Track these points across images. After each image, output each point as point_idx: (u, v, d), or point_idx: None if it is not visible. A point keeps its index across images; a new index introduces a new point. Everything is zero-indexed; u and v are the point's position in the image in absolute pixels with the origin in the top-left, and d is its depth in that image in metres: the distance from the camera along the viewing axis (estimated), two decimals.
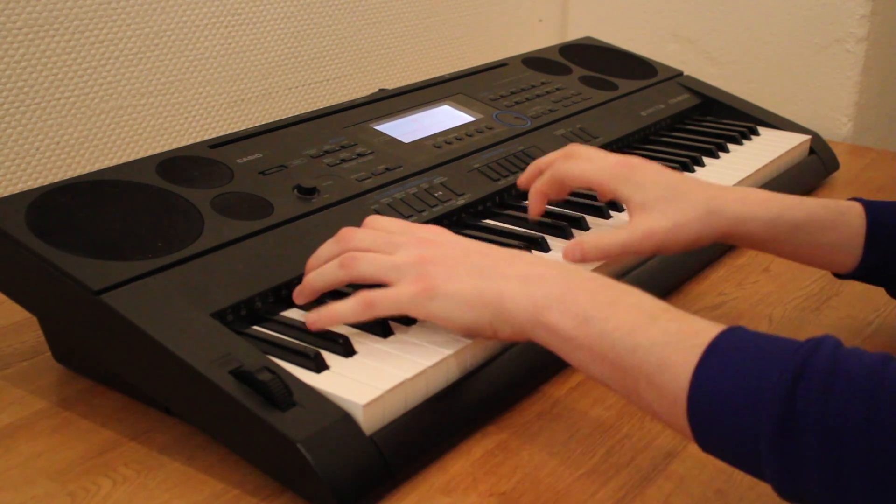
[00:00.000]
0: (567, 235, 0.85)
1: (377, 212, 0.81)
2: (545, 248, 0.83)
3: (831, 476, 0.48)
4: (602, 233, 0.79)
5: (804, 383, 0.49)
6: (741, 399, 0.51)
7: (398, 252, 0.66)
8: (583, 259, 0.77)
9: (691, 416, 0.53)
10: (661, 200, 0.76)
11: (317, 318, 0.66)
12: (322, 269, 0.68)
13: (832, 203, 0.76)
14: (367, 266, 0.66)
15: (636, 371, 0.56)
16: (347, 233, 0.69)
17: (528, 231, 0.85)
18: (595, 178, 0.79)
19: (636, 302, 0.59)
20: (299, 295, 0.70)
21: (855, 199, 0.77)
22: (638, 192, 0.77)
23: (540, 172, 0.84)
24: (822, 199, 0.78)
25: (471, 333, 0.66)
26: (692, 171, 1.04)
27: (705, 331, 0.54)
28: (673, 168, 1.02)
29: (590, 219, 0.88)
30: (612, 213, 0.91)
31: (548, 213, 0.88)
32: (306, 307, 0.71)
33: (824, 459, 0.48)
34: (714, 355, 0.53)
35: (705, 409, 0.52)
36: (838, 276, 0.79)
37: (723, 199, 0.76)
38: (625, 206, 0.79)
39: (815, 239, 0.75)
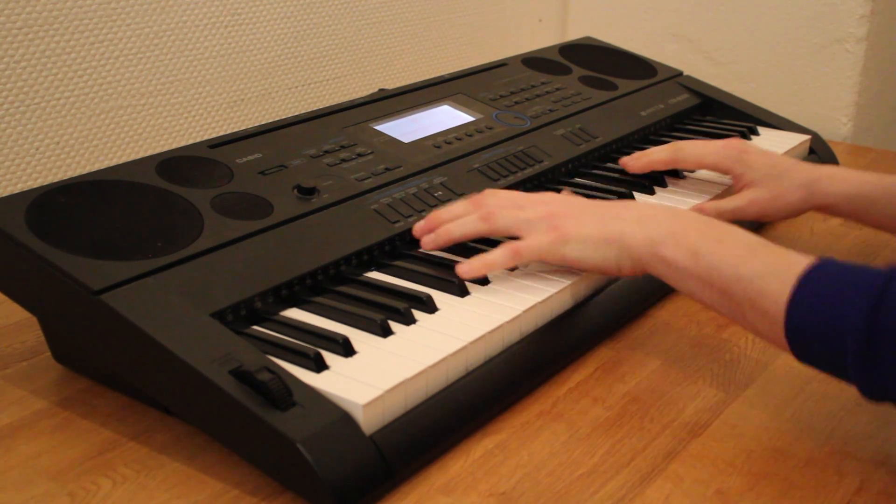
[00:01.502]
0: None
1: (377, 212, 0.81)
2: None
3: None
4: (718, 201, 0.92)
5: (884, 307, 0.57)
6: (830, 320, 0.60)
7: (526, 210, 0.76)
8: None
9: (788, 335, 0.62)
10: (766, 177, 0.90)
11: (469, 269, 0.75)
12: (462, 221, 0.78)
13: None
14: (504, 220, 0.76)
15: (740, 297, 0.66)
16: (479, 197, 0.79)
17: None
18: (711, 160, 0.93)
19: (739, 238, 0.69)
20: (432, 242, 0.78)
21: None
22: (748, 170, 0.91)
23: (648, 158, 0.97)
24: None
25: (599, 271, 0.75)
26: (692, 170, 1.04)
27: (799, 262, 0.64)
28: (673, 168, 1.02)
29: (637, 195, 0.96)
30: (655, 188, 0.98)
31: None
32: (307, 307, 0.72)
33: None
34: (807, 283, 0.62)
35: (800, 329, 0.62)
36: None
37: (815, 176, 0.89)
38: (734, 181, 0.93)
39: (890, 212, 0.87)
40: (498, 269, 0.76)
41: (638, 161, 0.97)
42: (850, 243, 0.99)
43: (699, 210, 0.89)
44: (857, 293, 0.59)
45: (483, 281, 0.76)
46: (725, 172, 0.94)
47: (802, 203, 0.89)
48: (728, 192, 0.97)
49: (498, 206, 0.77)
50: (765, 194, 0.89)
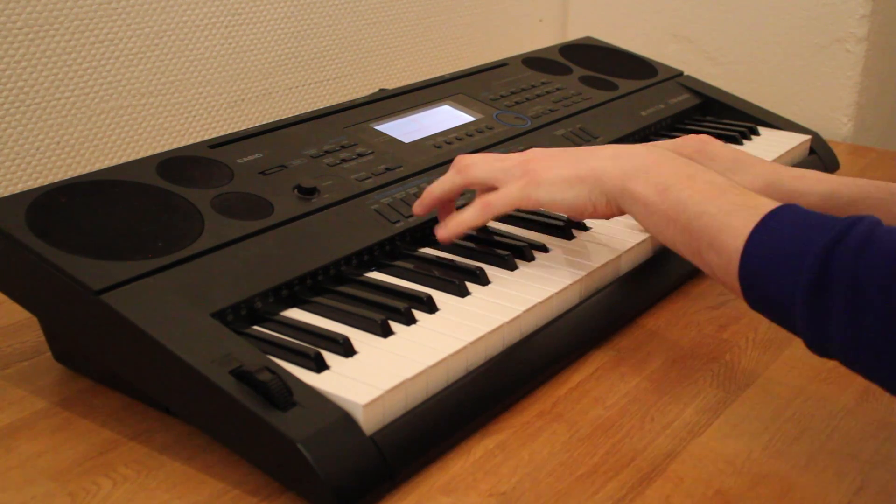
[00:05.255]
0: (568, 236, 0.85)
1: (377, 212, 0.81)
2: (545, 249, 0.83)
3: (853, 330, 0.54)
4: None
5: (841, 247, 0.55)
6: (784, 259, 0.58)
7: (504, 160, 0.76)
8: None
9: (741, 274, 0.61)
10: (728, 171, 0.83)
11: (445, 231, 0.77)
12: (440, 179, 0.79)
13: (883, 183, 0.83)
14: (478, 171, 0.76)
15: (701, 233, 0.64)
16: (462, 156, 0.80)
17: (529, 232, 0.85)
18: (672, 149, 0.86)
19: (711, 178, 0.67)
20: (419, 206, 0.80)
21: None
22: (710, 161, 0.85)
23: None
24: (874, 180, 0.84)
25: (574, 211, 0.74)
26: None
27: (765, 205, 0.62)
28: None
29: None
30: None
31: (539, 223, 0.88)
32: (307, 307, 0.72)
33: (849, 314, 0.54)
34: (768, 222, 0.60)
35: (753, 268, 0.60)
36: None
37: (782, 174, 0.84)
38: None
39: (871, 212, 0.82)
40: (473, 225, 0.77)
41: None
42: None
43: None
44: (817, 233, 0.57)
45: (483, 281, 0.76)
46: None
47: None
48: None
49: (476, 159, 0.78)
50: None
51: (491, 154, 0.79)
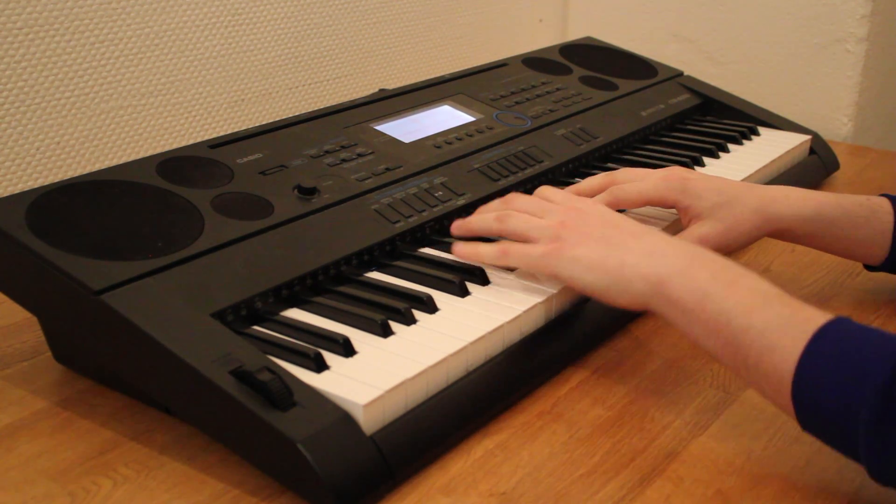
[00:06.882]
0: None
1: (377, 212, 0.81)
2: None
3: None
4: None
5: None
6: (843, 386, 0.55)
7: (547, 217, 0.75)
8: None
9: (795, 398, 0.58)
10: (715, 207, 0.82)
11: (462, 250, 0.78)
12: (482, 218, 0.80)
13: (865, 200, 0.82)
14: (515, 223, 0.76)
15: (747, 350, 0.60)
16: (513, 195, 0.81)
17: None
18: (654, 195, 0.84)
19: (754, 285, 0.63)
20: (458, 228, 0.81)
21: (885, 195, 0.83)
22: (695, 201, 0.82)
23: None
24: (857, 196, 0.83)
25: (590, 294, 0.72)
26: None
27: (814, 318, 0.59)
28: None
29: None
30: None
31: None
32: (307, 307, 0.72)
33: None
34: (820, 342, 0.57)
35: (808, 392, 0.57)
36: (869, 268, 0.85)
37: (768, 200, 0.82)
38: (681, 215, 0.85)
39: (849, 234, 0.82)
40: (485, 262, 0.77)
41: None
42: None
43: None
44: (875, 358, 0.55)
45: (483, 281, 0.76)
46: (672, 206, 0.84)
47: (756, 230, 0.82)
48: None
49: (520, 208, 0.78)
50: (716, 227, 0.81)
51: (540, 201, 0.78)
